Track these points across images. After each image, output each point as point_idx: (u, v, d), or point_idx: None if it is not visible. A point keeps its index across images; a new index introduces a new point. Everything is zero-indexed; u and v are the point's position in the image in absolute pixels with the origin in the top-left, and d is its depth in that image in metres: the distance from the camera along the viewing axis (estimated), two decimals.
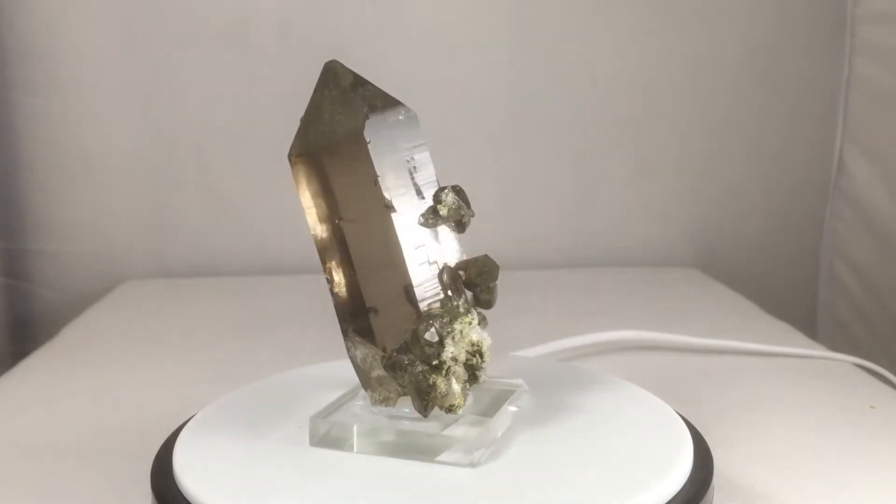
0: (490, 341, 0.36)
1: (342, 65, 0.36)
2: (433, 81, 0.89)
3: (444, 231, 0.36)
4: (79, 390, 0.55)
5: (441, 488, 0.32)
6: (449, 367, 0.34)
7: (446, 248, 0.36)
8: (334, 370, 0.42)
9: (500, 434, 0.35)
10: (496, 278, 0.36)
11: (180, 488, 0.33)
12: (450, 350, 0.34)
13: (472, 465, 0.33)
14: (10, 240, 0.88)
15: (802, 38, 0.90)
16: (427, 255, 0.35)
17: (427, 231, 0.35)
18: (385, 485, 0.32)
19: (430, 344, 0.33)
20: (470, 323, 0.34)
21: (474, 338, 0.35)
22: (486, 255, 0.36)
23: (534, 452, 0.35)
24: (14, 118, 0.86)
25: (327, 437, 0.35)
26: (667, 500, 0.31)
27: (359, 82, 0.36)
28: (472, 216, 0.36)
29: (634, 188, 0.92)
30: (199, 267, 0.90)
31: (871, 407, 0.49)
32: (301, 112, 0.37)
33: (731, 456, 0.42)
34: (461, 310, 0.35)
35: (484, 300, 0.36)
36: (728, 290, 0.82)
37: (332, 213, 0.36)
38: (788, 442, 0.44)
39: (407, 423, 0.35)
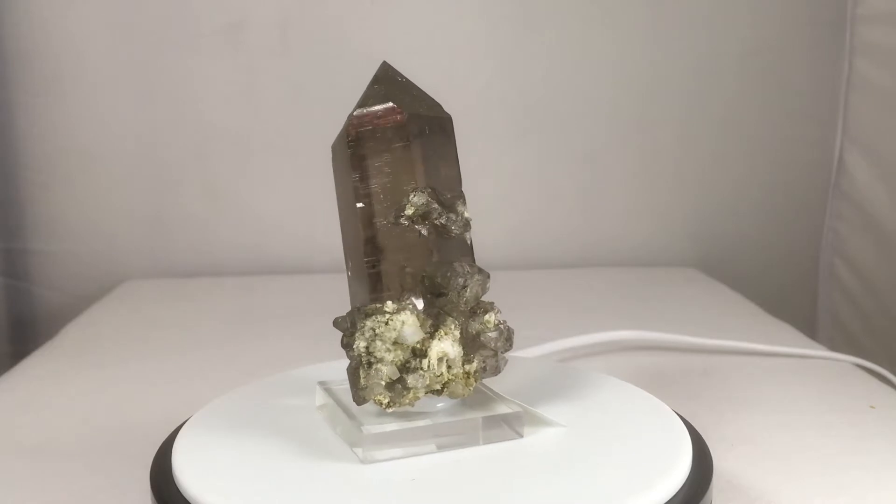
0: (454, 354, 0.35)
1: (385, 64, 0.37)
2: (434, 81, 0.88)
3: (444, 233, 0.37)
4: (79, 390, 0.55)
5: (443, 485, 0.32)
6: (369, 361, 0.34)
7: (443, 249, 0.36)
8: (333, 370, 0.42)
9: (417, 448, 0.35)
10: (437, 288, 0.35)
11: (180, 488, 0.33)
12: (360, 344, 0.35)
13: (362, 462, 0.34)
14: (10, 240, 0.88)
15: (802, 38, 0.90)
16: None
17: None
18: (386, 487, 0.32)
19: (346, 334, 0.35)
20: (387, 323, 0.35)
21: (403, 338, 0.35)
22: (440, 264, 0.36)
23: (532, 452, 0.35)
24: (14, 118, 0.86)
25: (322, 403, 0.39)
26: (666, 501, 0.31)
27: (374, 81, 0.37)
28: (458, 220, 0.36)
29: (635, 188, 0.92)
30: (199, 267, 0.90)
31: (871, 407, 0.49)
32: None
33: (731, 456, 0.42)
34: (387, 309, 0.35)
35: (440, 305, 0.36)
36: (728, 290, 0.82)
37: (352, 202, 0.38)
38: (788, 442, 0.44)
39: (363, 408, 0.36)
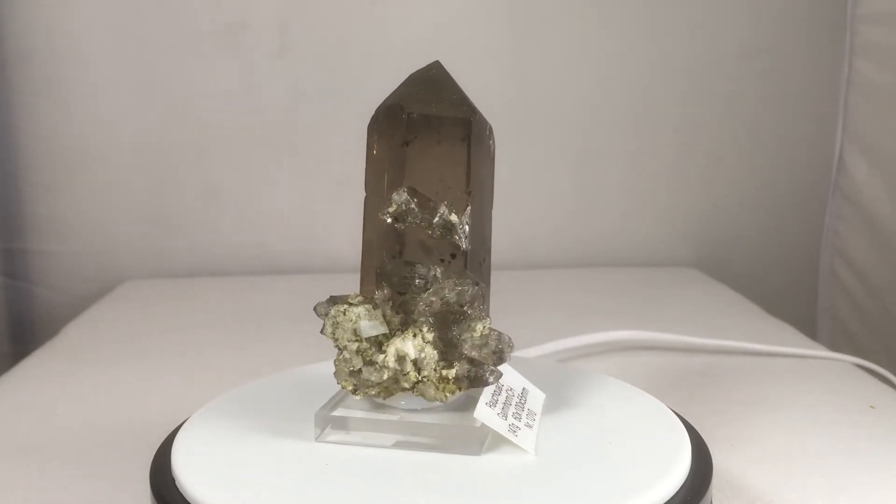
0: (416, 355, 0.35)
1: (435, 63, 0.38)
2: None
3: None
4: (79, 390, 0.55)
5: (443, 482, 0.32)
6: (339, 347, 0.36)
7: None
8: (333, 369, 0.42)
9: (372, 439, 0.36)
10: (396, 287, 0.36)
11: (180, 488, 0.33)
12: (328, 330, 0.36)
13: (314, 440, 0.36)
14: (10, 240, 0.88)
15: (802, 38, 0.90)
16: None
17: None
18: (384, 481, 0.32)
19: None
20: (344, 313, 0.36)
21: (360, 331, 0.36)
22: (405, 263, 0.36)
23: (525, 452, 0.35)
24: (14, 118, 0.86)
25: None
26: (665, 501, 0.31)
27: (406, 79, 0.37)
28: (436, 222, 0.36)
29: (635, 188, 0.92)
30: (199, 267, 0.90)
31: (871, 407, 0.49)
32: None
33: (731, 456, 0.42)
34: (350, 300, 0.36)
35: (402, 303, 0.36)
36: (728, 290, 0.82)
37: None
38: (788, 442, 0.44)
39: (342, 396, 0.38)
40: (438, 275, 0.36)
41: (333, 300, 0.36)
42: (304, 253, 0.91)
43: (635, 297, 0.78)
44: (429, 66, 0.38)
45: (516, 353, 0.53)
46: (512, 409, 0.36)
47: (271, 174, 0.89)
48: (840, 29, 0.87)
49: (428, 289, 0.36)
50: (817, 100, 0.90)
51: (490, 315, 0.37)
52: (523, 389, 0.39)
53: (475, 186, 0.37)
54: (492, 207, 0.39)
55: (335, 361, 0.36)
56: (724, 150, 0.92)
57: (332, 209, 0.90)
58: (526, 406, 0.37)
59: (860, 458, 0.42)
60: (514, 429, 0.35)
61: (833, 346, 0.82)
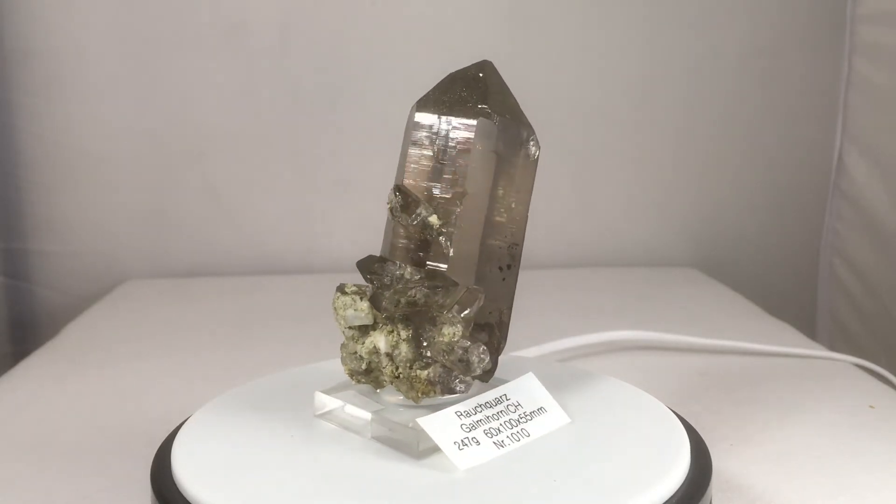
0: (387, 349, 0.36)
1: (478, 63, 0.39)
2: (432, 82, 0.89)
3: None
4: (79, 390, 0.55)
5: (428, 487, 0.32)
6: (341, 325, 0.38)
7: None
8: (333, 369, 0.42)
9: (353, 426, 0.37)
10: (364, 280, 0.37)
11: (180, 488, 0.33)
12: (333, 314, 0.38)
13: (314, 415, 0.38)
14: (10, 240, 0.88)
15: (802, 38, 0.90)
16: None
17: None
18: (382, 482, 0.32)
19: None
20: (338, 298, 0.37)
21: (347, 319, 0.37)
22: (382, 260, 0.36)
23: (531, 452, 0.35)
24: (14, 118, 0.86)
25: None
26: (664, 501, 0.31)
27: (443, 79, 0.38)
28: (414, 220, 0.36)
29: (634, 188, 0.92)
30: (199, 267, 0.90)
31: (871, 407, 0.50)
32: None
33: (731, 456, 0.42)
34: (346, 289, 0.37)
35: (371, 298, 0.37)
36: (728, 290, 0.82)
37: None
38: (788, 442, 0.44)
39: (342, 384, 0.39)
40: (407, 274, 0.35)
41: (337, 288, 0.37)
42: (304, 253, 0.91)
43: (635, 297, 0.78)
44: (471, 65, 0.38)
45: (517, 353, 0.53)
46: (494, 424, 0.35)
47: (271, 174, 0.89)
48: (840, 29, 0.87)
49: (393, 286, 0.35)
50: (817, 100, 0.90)
51: (508, 323, 0.37)
52: (539, 409, 0.37)
53: (486, 189, 0.37)
54: (525, 212, 0.39)
55: (341, 346, 0.38)
56: (724, 149, 0.92)
57: (332, 209, 0.90)
58: (522, 426, 0.35)
59: (860, 458, 0.42)
60: (465, 442, 0.33)
61: (833, 346, 0.82)
